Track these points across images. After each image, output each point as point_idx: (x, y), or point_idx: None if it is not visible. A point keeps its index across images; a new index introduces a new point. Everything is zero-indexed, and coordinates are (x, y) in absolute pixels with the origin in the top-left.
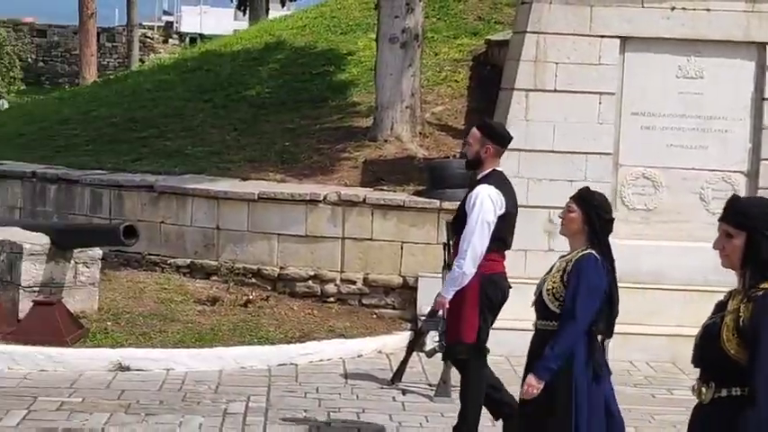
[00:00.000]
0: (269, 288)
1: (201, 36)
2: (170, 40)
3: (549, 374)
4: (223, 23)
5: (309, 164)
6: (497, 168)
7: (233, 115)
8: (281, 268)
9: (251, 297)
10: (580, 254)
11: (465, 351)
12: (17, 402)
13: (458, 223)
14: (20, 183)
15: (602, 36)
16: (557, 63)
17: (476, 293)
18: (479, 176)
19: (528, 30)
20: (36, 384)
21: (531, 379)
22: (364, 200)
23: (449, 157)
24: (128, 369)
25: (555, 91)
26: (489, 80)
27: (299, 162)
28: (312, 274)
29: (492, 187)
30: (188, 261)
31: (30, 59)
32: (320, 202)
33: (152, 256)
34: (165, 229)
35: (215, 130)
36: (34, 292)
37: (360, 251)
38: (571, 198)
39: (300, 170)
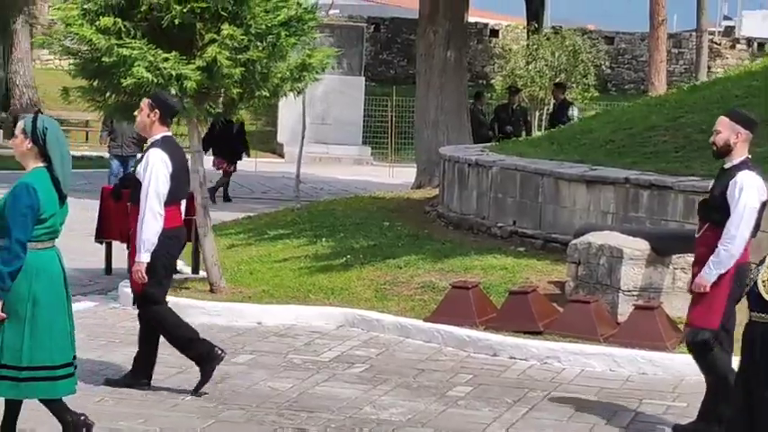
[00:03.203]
0: None
1: None
2: (737, 46)
3: None
4: None
5: None
6: (748, 156)
7: None
8: None
9: None
10: None
11: (707, 336)
12: (622, 404)
13: (706, 209)
14: (612, 188)
15: None
16: None
17: (729, 281)
18: (733, 164)
19: None
20: (638, 387)
21: None
22: None
23: None
24: None
25: None
26: None
27: None
28: None
29: (755, 174)
30: None
31: (603, 66)
32: None
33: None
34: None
35: None
36: (633, 296)
37: None
38: None
39: None
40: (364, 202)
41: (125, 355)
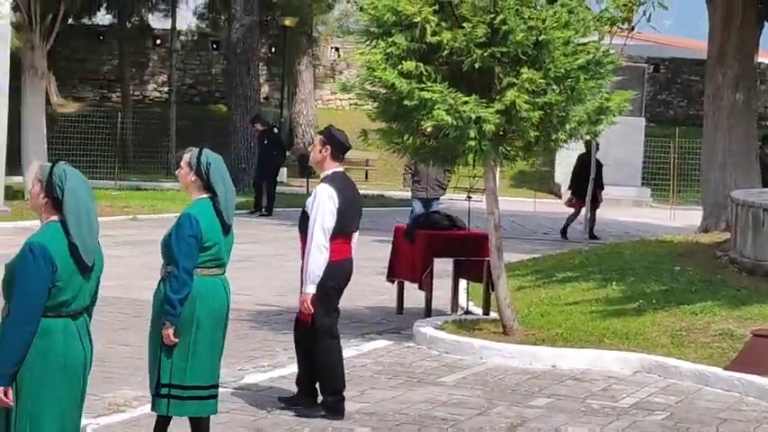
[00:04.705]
0: None
1: None
2: None
3: None
4: None
5: None
6: None
7: None
8: None
9: None
10: None
11: None
12: None
13: None
14: None
15: None
16: None
17: None
18: None
19: None
20: None
21: None
22: None
23: None
24: None
25: None
26: None
27: None
28: None
29: None
30: None
31: None
32: None
33: None
34: None
35: None
36: None
37: None
38: None
39: None
40: (651, 246)
41: (425, 395)
